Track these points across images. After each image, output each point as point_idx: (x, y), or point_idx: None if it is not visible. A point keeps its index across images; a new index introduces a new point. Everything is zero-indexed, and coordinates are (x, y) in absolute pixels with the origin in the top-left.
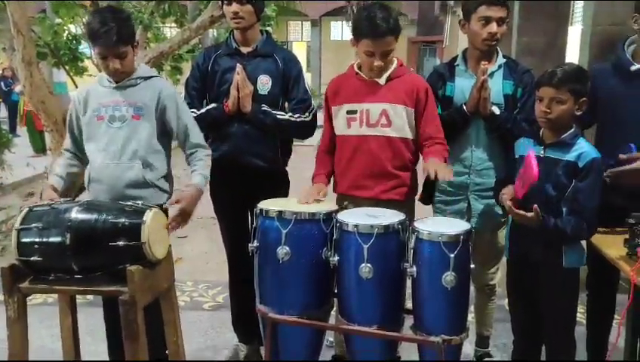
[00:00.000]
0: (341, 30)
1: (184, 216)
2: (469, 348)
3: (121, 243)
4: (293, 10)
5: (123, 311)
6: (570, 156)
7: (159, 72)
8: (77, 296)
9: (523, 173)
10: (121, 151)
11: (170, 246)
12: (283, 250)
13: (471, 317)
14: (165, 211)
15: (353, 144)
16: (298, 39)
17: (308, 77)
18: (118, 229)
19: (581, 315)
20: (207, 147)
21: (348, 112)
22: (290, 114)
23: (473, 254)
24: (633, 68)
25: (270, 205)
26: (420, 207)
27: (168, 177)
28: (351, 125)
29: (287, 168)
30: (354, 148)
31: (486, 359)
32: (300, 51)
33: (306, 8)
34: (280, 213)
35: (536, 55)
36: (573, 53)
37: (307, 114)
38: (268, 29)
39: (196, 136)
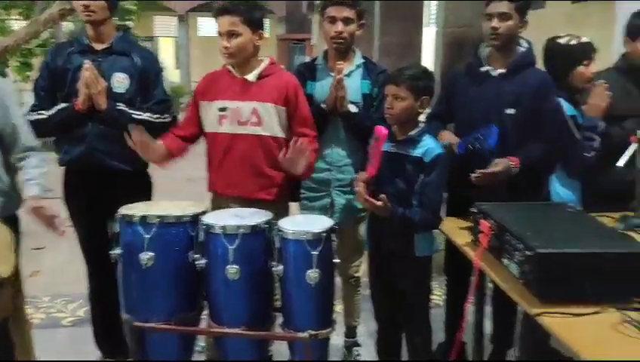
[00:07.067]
0: (209, 26)
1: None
2: (339, 340)
3: None
4: (159, 4)
5: None
6: (417, 152)
7: (4, 69)
8: None
9: (372, 146)
10: None
11: (17, 262)
12: (146, 256)
13: (340, 308)
14: (16, 220)
15: (225, 142)
16: (165, 35)
17: (177, 74)
18: None
19: (439, 298)
20: (40, 150)
21: (220, 110)
22: (149, 114)
23: (338, 249)
24: (483, 69)
25: (132, 209)
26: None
27: (16, 182)
28: (222, 123)
29: (148, 170)
30: (226, 147)
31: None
32: (167, 47)
33: (171, 3)
34: (142, 217)
35: (395, 55)
36: (430, 54)
37: (167, 115)
38: (129, 23)
39: (28, 138)
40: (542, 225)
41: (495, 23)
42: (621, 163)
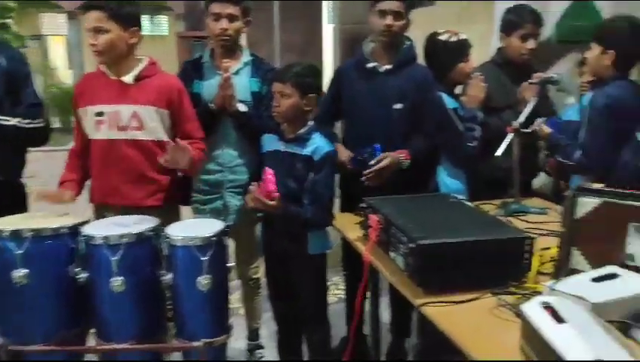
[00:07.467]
0: None
1: None
2: (241, 343)
3: None
4: (44, 0)
5: None
6: (307, 150)
7: None
8: None
9: (262, 186)
10: None
11: None
12: (19, 273)
13: (242, 311)
14: None
15: (104, 149)
16: (53, 33)
17: (69, 74)
18: None
19: (343, 293)
20: None
21: (96, 114)
22: (18, 119)
23: (235, 251)
24: (369, 65)
25: (1, 223)
26: (184, 209)
27: None
28: (100, 128)
29: (23, 179)
30: (106, 154)
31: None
32: (58, 47)
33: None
34: (13, 231)
35: (296, 53)
36: (330, 50)
37: (39, 119)
38: (8, 21)
39: None
40: (425, 216)
41: (389, 20)
42: (499, 152)
